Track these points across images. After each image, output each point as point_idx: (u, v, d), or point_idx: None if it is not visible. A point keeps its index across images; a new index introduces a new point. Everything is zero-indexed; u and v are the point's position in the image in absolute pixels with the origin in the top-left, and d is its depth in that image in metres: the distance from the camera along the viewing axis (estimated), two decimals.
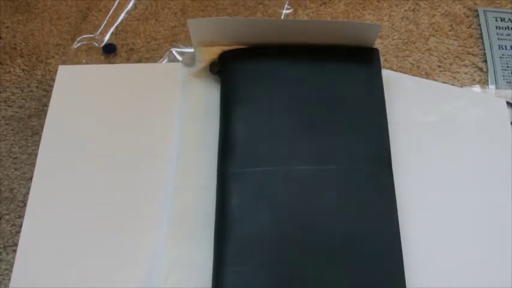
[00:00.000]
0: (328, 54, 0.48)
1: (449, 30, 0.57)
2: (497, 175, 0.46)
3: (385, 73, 0.50)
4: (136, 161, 0.46)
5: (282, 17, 0.58)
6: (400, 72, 0.54)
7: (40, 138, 0.50)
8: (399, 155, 0.46)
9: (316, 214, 0.41)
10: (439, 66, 0.55)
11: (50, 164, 0.45)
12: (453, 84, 0.53)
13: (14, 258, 0.45)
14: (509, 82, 0.53)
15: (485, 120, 0.49)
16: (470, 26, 0.57)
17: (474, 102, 0.50)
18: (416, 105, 0.49)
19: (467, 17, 0.58)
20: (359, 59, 0.48)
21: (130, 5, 0.59)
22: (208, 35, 0.47)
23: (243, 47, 0.49)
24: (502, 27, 0.57)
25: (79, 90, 0.49)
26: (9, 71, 0.54)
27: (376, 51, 0.48)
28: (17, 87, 0.53)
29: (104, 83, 0.50)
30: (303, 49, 0.48)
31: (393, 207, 0.42)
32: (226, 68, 0.49)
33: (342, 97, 0.46)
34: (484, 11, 0.58)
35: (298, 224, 0.41)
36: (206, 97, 0.49)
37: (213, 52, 0.49)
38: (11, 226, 0.46)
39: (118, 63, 0.55)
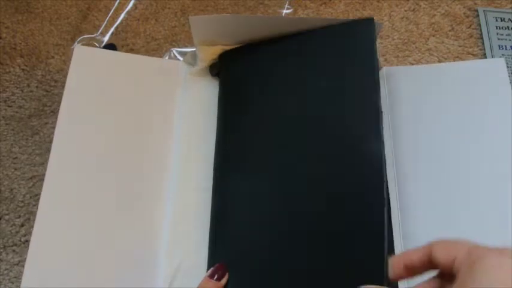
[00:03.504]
0: (324, 37, 0.46)
1: (449, 30, 0.57)
2: (497, 144, 0.46)
3: (385, 70, 0.51)
4: (139, 162, 0.46)
5: None
6: None
7: (40, 138, 0.51)
8: (400, 128, 0.47)
9: (304, 216, 0.40)
10: None
11: (56, 166, 0.44)
12: None
13: (13, 258, 0.45)
14: (510, 82, 0.53)
15: (485, 84, 0.48)
16: (470, 26, 0.57)
17: (472, 68, 0.50)
18: (417, 86, 0.49)
19: (467, 17, 0.58)
20: (354, 39, 0.44)
21: (130, 5, 0.59)
22: (210, 33, 0.47)
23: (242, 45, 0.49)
24: (502, 27, 0.57)
25: (92, 72, 0.48)
26: (9, 71, 0.54)
27: (370, 21, 0.44)
28: (17, 87, 0.53)
29: (116, 70, 0.49)
30: (300, 37, 0.46)
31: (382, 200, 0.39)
32: (225, 70, 0.49)
33: (338, 89, 0.44)
34: (484, 11, 0.58)
35: (287, 228, 0.40)
36: (207, 97, 0.49)
37: (214, 52, 0.49)
38: (11, 226, 0.46)
39: None
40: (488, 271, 0.25)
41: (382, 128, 0.41)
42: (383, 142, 0.40)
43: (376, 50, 0.43)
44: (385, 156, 0.40)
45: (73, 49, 0.55)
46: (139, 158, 0.46)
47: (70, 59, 0.55)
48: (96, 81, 0.48)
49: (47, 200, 0.42)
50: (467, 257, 0.27)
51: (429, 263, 0.29)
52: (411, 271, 0.31)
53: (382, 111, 0.41)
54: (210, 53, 0.49)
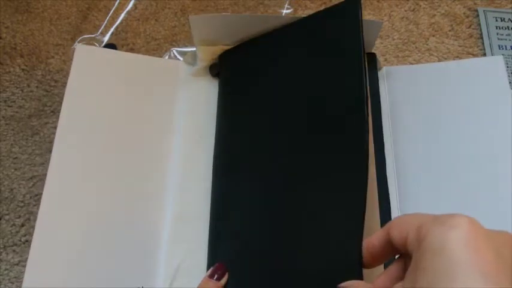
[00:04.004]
0: (315, 26, 0.45)
1: (449, 30, 0.57)
2: (497, 141, 0.46)
3: (385, 70, 0.51)
4: (139, 162, 0.46)
5: None
6: None
7: (40, 138, 0.51)
8: (401, 127, 0.47)
9: (299, 210, 0.39)
10: None
11: (58, 166, 0.44)
12: None
13: (14, 258, 0.45)
14: (510, 82, 0.53)
15: (484, 81, 0.48)
16: (470, 26, 0.57)
17: (471, 66, 0.50)
18: (416, 85, 0.49)
19: (467, 17, 0.58)
20: (340, 19, 0.43)
21: (131, 5, 0.59)
22: (210, 33, 0.47)
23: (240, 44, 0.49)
24: (502, 27, 0.57)
25: (94, 71, 0.48)
26: (9, 71, 0.54)
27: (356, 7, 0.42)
28: (17, 87, 0.53)
29: (117, 69, 0.49)
30: (297, 31, 0.46)
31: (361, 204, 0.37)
32: (225, 70, 0.49)
33: (334, 84, 0.42)
34: (484, 11, 0.58)
35: (287, 224, 0.40)
36: (207, 97, 0.49)
37: (214, 52, 0.49)
38: (11, 226, 0.46)
39: None
40: (434, 252, 0.22)
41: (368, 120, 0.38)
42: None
43: (361, 27, 0.40)
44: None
45: (73, 49, 0.55)
46: (139, 158, 0.46)
47: (70, 59, 0.55)
48: (98, 80, 0.48)
49: (48, 200, 0.42)
50: (416, 236, 0.24)
51: (389, 246, 0.27)
52: (376, 258, 0.29)
53: (368, 97, 0.39)
54: (210, 53, 0.49)
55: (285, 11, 0.58)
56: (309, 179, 0.41)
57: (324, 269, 0.36)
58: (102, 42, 0.56)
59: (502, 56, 0.50)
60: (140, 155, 0.46)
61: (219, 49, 0.49)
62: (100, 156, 0.45)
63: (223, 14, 0.56)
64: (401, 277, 0.27)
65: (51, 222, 0.41)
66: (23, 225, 0.46)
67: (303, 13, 0.58)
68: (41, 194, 0.47)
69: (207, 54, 0.49)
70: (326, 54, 0.42)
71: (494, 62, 0.49)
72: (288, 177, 0.42)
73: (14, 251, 0.45)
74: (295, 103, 0.43)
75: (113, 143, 0.46)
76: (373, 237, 0.29)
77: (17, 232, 0.46)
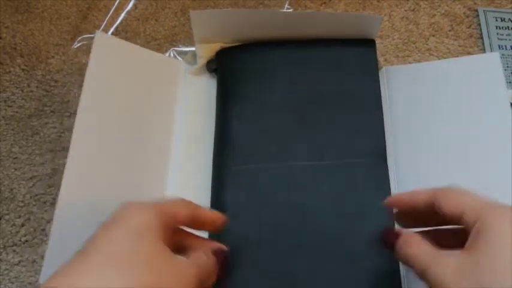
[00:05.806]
0: (324, 48, 0.48)
1: (449, 30, 0.57)
2: (497, 140, 0.46)
3: (385, 70, 0.51)
4: (139, 161, 0.46)
5: None
6: None
7: (40, 138, 0.51)
8: (401, 127, 0.47)
9: (310, 210, 0.41)
10: None
11: (76, 160, 0.43)
12: None
13: (14, 258, 0.45)
14: (510, 82, 0.53)
15: (481, 79, 0.48)
16: (470, 26, 0.57)
17: (468, 64, 0.50)
18: (415, 84, 0.49)
19: (467, 17, 0.58)
20: (355, 52, 0.48)
21: (130, 5, 0.59)
22: (211, 29, 0.47)
23: (241, 43, 0.49)
24: (502, 27, 0.57)
25: (112, 61, 0.48)
26: (9, 71, 0.54)
27: (372, 42, 0.48)
28: (17, 87, 0.53)
29: (131, 61, 0.49)
30: (299, 43, 0.48)
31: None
32: (222, 66, 0.49)
33: (337, 92, 0.46)
34: (484, 11, 0.58)
35: (291, 221, 0.41)
36: (208, 95, 0.49)
37: (214, 49, 0.49)
38: (11, 226, 0.46)
39: None
40: (500, 240, 0.25)
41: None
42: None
43: (377, 70, 0.48)
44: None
45: (73, 49, 0.56)
46: (139, 157, 0.46)
47: (70, 59, 0.55)
48: (114, 69, 0.47)
49: (65, 195, 0.41)
50: (474, 218, 0.27)
51: (431, 211, 0.29)
52: (411, 216, 0.32)
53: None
54: (209, 51, 0.49)
55: (284, 11, 0.58)
56: (314, 180, 0.41)
57: (331, 275, 0.37)
58: None
59: (498, 53, 0.50)
60: (140, 154, 0.46)
61: (218, 47, 0.49)
62: (100, 156, 0.45)
63: (225, 9, 0.56)
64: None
65: (69, 218, 0.41)
66: (23, 225, 0.46)
67: None
68: (41, 194, 0.48)
69: (206, 52, 0.49)
70: (334, 81, 0.47)
71: (491, 59, 0.49)
72: (290, 175, 0.42)
73: (14, 251, 0.45)
74: (294, 107, 0.45)
75: (115, 141, 0.46)
76: (418, 197, 0.30)
77: (17, 232, 0.46)
